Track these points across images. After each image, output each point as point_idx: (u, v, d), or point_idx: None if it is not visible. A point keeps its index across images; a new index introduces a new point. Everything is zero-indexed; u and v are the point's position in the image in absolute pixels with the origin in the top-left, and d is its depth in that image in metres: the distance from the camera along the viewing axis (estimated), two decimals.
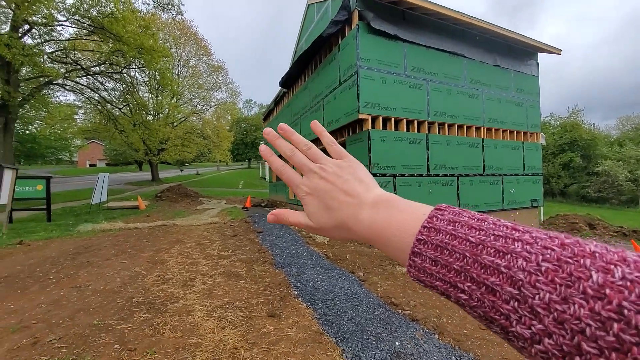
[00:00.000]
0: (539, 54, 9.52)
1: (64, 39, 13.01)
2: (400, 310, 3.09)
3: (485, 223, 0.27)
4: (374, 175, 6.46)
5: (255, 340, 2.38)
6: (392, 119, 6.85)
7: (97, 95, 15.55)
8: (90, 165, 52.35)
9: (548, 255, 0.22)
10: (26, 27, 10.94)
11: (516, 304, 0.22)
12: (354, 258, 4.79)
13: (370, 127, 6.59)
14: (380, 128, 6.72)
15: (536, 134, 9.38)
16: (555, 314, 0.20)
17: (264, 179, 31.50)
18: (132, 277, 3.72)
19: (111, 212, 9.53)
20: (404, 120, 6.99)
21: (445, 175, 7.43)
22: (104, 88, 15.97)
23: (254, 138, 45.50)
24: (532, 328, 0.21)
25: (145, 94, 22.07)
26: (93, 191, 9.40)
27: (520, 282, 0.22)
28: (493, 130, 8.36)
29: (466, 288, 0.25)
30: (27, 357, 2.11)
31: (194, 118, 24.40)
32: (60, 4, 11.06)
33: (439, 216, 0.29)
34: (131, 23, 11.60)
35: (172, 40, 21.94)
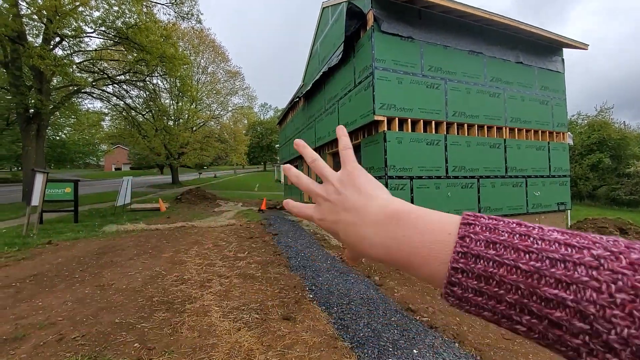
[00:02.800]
0: (564, 49, 9.07)
1: (91, 49, 13.75)
2: (418, 317, 2.99)
3: (532, 240, 0.23)
4: (390, 177, 6.35)
5: (270, 343, 2.37)
6: (409, 120, 6.72)
7: (122, 102, 16.30)
8: (116, 169, 54.88)
9: (621, 283, 0.19)
10: (57, 39, 11.65)
11: (587, 338, 0.19)
12: (370, 262, 4.70)
13: (386, 128, 6.49)
14: (397, 129, 6.60)
15: (563, 133, 8.91)
16: (633, 347, 0.18)
17: (279, 181, 31.81)
18: (152, 277, 3.83)
19: (134, 214, 9.90)
20: (421, 121, 6.83)
21: (465, 177, 7.18)
22: (129, 95, 16.73)
23: (270, 141, 46.15)
24: None
25: (167, 100, 22.94)
26: (118, 194, 9.81)
27: (592, 317, 0.19)
28: (516, 130, 8.02)
29: (524, 321, 0.22)
30: (52, 353, 2.20)
31: (212, 122, 25.06)
32: (88, 17, 11.71)
33: (472, 236, 0.25)
34: (153, 33, 12.10)
35: (191, 48, 22.69)
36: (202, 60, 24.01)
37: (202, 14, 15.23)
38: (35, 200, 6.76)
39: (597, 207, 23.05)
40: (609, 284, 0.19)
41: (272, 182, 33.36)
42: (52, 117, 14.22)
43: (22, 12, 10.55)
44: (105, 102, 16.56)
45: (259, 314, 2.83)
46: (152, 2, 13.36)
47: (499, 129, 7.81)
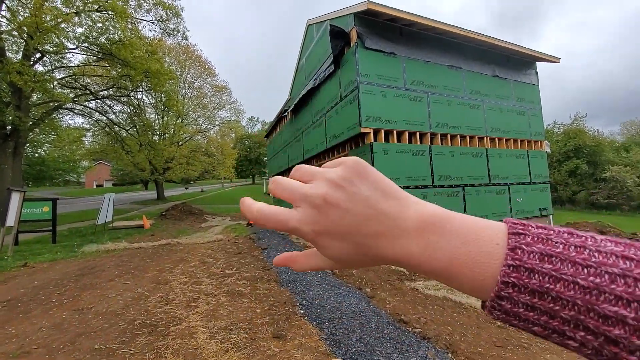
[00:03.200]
0: (538, 63, 9.62)
1: (73, 65, 13.53)
2: (410, 328, 2.97)
3: (588, 253, 0.22)
4: None
5: None
6: (394, 131, 6.88)
7: (105, 117, 15.97)
8: (97, 185, 53.06)
9: None
10: (37, 55, 11.42)
11: None
12: (361, 273, 4.67)
13: (372, 140, 6.61)
14: (383, 141, 6.74)
15: (540, 142, 9.32)
16: None
17: (268, 194, 31.55)
18: (134, 298, 3.66)
19: (116, 232, 9.54)
20: (406, 132, 7.01)
21: (451, 186, 7.34)
22: (112, 111, 16.41)
23: (258, 154, 45.98)
24: None
25: (152, 115, 22.63)
26: (99, 211, 9.46)
27: None
28: (496, 139, 8.33)
29: (578, 337, 0.21)
30: None
31: (199, 137, 24.83)
32: (71, 33, 11.57)
33: (525, 247, 0.23)
34: (138, 49, 12.05)
35: (177, 63, 22.69)
36: (188, 75, 24.00)
37: (188, 30, 15.32)
38: (11, 220, 6.44)
39: (578, 212, 23.94)
40: None
41: (261, 195, 33.04)
42: (31, 134, 13.74)
43: (2, 29, 10.35)
44: (87, 117, 16.18)
45: (247, 333, 2.74)
46: (138, 19, 13.38)
47: (480, 138, 8.09)
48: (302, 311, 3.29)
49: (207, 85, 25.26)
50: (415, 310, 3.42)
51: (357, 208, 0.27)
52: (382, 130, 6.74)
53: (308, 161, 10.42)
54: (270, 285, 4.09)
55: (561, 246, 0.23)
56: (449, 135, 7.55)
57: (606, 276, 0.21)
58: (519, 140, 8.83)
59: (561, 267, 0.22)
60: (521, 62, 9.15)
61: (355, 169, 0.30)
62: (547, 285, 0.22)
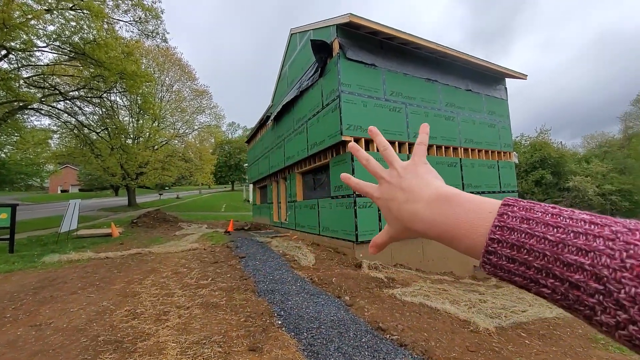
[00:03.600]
0: (507, 79, 10.26)
1: (42, 64, 12.76)
2: (388, 336, 2.98)
3: (561, 218, 0.27)
4: (358, 196, 6.49)
5: None
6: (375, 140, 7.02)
7: (74, 119, 15.10)
8: (63, 191, 49.68)
9: (632, 252, 0.22)
10: (3, 52, 10.68)
11: (601, 297, 0.23)
12: (340, 282, 4.66)
13: None
14: (363, 149, 6.85)
15: (509, 153, 9.87)
16: None
17: (248, 201, 30.96)
18: (99, 312, 3.43)
19: (81, 241, 8.94)
20: None
21: None
22: (82, 112, 15.57)
23: (238, 160, 45.20)
24: (617, 317, 0.22)
25: (126, 118, 21.69)
26: (62, 219, 8.84)
27: (605, 279, 0.23)
28: (469, 150, 8.73)
29: (549, 284, 0.26)
30: None
31: (176, 141, 24.06)
32: (41, 31, 10.94)
33: (510, 213, 0.29)
34: (114, 49, 11.56)
35: (155, 65, 22.03)
36: (166, 78, 23.35)
37: (168, 32, 14.96)
38: None
39: None
40: (622, 251, 0.22)
41: (240, 202, 32.36)
42: None
43: None
44: (55, 119, 15.24)
45: (222, 347, 2.63)
46: (115, 19, 12.92)
47: (455, 149, 8.44)
48: (279, 322, 3.22)
49: (187, 89, 24.69)
50: (393, 317, 3.45)
51: (397, 183, 0.41)
52: (363, 139, 6.87)
53: (289, 168, 10.37)
54: (248, 295, 3.98)
55: (540, 213, 0.28)
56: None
57: (571, 234, 0.25)
58: (490, 151, 9.30)
59: (535, 226, 0.27)
60: (492, 77, 9.72)
61: (414, 163, 0.43)
62: (523, 239, 0.27)
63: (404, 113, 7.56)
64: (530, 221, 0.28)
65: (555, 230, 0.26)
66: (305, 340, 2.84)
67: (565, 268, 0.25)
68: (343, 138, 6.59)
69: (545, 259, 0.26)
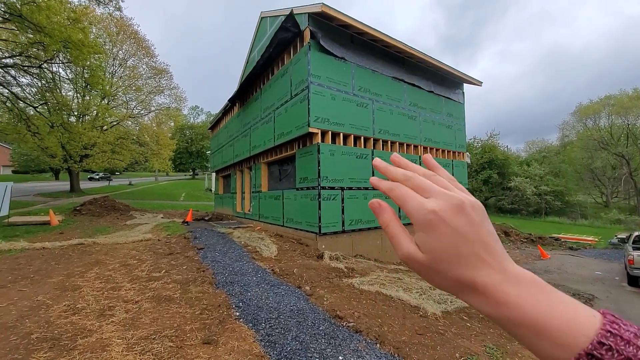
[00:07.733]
0: (466, 84, 10.98)
1: None
2: (344, 323, 3.09)
3: None
4: (323, 188, 6.56)
5: None
6: (341, 134, 7.11)
7: (7, 90, 13.03)
8: None
9: None
10: None
11: None
12: (302, 272, 4.71)
13: (320, 141, 6.72)
14: (330, 142, 6.90)
15: (462, 153, 10.67)
16: None
17: (210, 190, 29.67)
18: (32, 308, 3.07)
19: (13, 229, 7.88)
20: (352, 135, 7.31)
21: None
22: (17, 83, 13.50)
23: (200, 147, 42.81)
24: None
25: (70, 93, 19.26)
26: None
27: None
28: (429, 148, 9.26)
29: None
30: None
31: (130, 122, 22.00)
32: None
33: (621, 324, 0.27)
34: (57, 14, 10.07)
35: (107, 36, 19.74)
36: (120, 52, 21.08)
37: (123, 0, 13.46)
38: None
39: (488, 215, 28.16)
40: None
41: (202, 192, 30.89)
42: None
43: None
44: None
45: (173, 342, 2.52)
46: None
47: (416, 147, 8.89)
48: (237, 313, 3.17)
49: (143, 66, 22.55)
50: (351, 305, 3.58)
51: (475, 231, 0.31)
52: (330, 132, 6.91)
53: (254, 157, 10.10)
54: (205, 287, 3.84)
55: None
56: (389, 142, 8.11)
57: None
58: (446, 151, 9.96)
59: None
60: (452, 82, 10.34)
61: (483, 209, 0.35)
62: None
63: (370, 109, 7.74)
64: None
65: None
66: (263, 330, 2.83)
67: None
68: (310, 130, 6.56)
69: None
